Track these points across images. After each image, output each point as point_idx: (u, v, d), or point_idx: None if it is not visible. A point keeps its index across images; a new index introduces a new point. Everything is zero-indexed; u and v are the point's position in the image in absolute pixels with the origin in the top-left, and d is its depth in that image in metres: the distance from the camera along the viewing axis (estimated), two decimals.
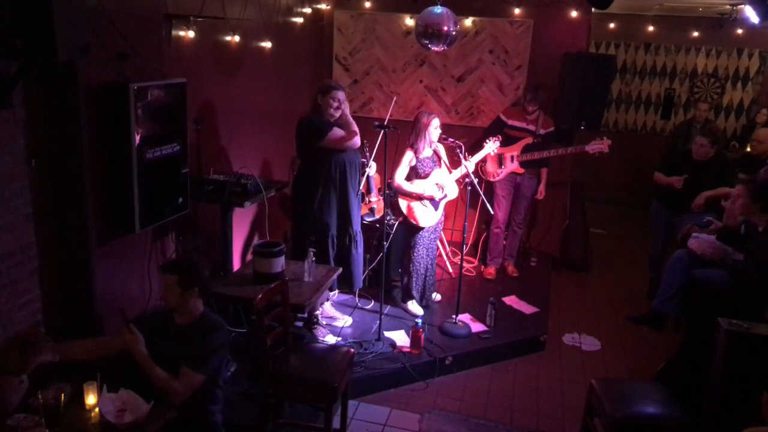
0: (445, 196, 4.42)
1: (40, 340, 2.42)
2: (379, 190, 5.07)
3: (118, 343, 2.60)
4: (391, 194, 4.42)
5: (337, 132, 4.00)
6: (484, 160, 5.05)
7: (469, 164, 4.37)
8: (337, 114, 4.03)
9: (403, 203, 4.37)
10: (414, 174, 4.35)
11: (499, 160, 5.18)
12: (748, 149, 6.21)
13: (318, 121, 4.01)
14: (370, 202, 4.94)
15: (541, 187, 5.33)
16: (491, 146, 4.61)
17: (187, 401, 2.59)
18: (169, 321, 2.72)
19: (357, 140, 4.11)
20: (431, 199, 4.36)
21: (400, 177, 4.33)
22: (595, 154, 5.10)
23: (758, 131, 5.64)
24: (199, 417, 2.70)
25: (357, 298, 4.71)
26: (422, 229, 4.43)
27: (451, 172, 4.40)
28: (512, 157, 5.17)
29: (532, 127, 5.19)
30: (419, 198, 4.34)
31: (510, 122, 5.25)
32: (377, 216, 5.03)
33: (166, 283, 2.65)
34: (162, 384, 2.54)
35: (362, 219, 4.62)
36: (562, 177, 5.82)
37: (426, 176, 4.34)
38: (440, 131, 4.32)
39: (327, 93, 3.99)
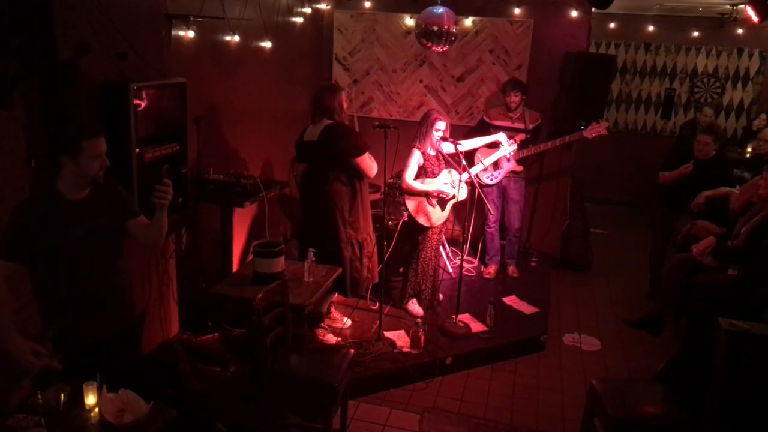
0: (454, 197, 4.35)
1: (38, 344, 2.38)
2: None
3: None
4: (395, 194, 4.37)
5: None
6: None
7: (481, 165, 4.30)
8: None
9: (410, 203, 4.32)
10: (423, 173, 4.28)
11: (495, 162, 5.07)
12: (749, 149, 6.21)
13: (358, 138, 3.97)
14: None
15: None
16: (508, 148, 4.53)
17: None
18: (57, 205, 2.32)
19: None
20: (440, 195, 4.27)
21: (410, 177, 4.24)
22: (594, 139, 4.97)
23: (766, 131, 5.65)
24: None
25: (368, 299, 4.65)
26: (428, 229, 4.40)
27: (460, 173, 4.26)
28: (507, 157, 5.12)
29: (519, 125, 5.11)
30: (428, 195, 4.26)
31: (494, 123, 5.17)
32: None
33: (101, 149, 2.33)
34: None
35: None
36: (564, 164, 5.78)
37: (434, 175, 4.29)
38: (440, 134, 4.21)
39: (337, 93, 3.95)
